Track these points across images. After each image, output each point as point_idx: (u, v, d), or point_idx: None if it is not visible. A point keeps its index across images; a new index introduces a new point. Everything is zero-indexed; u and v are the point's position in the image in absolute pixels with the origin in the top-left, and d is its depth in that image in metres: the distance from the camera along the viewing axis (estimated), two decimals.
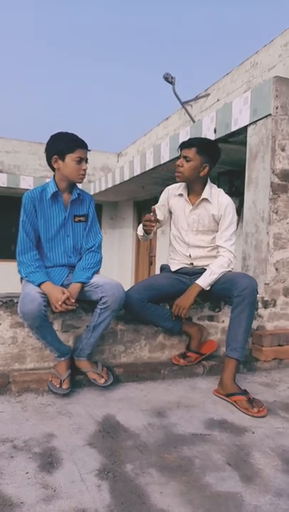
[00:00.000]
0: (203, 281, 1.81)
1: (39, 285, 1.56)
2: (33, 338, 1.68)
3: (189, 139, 1.84)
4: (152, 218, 1.74)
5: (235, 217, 1.88)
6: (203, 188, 1.87)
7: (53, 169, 1.69)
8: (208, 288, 1.82)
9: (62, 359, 1.67)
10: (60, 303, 1.54)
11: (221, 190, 1.92)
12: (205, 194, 1.85)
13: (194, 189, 1.88)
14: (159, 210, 1.94)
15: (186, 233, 1.91)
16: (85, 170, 1.68)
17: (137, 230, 2.04)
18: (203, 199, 1.86)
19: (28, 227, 1.65)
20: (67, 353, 1.69)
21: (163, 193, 2.02)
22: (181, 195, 1.92)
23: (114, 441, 1.28)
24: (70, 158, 1.63)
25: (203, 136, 3.01)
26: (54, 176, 1.70)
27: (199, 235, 1.89)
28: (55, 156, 1.64)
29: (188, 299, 1.81)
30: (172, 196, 1.96)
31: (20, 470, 1.11)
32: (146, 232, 1.84)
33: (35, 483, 1.05)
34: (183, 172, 1.80)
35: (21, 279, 1.68)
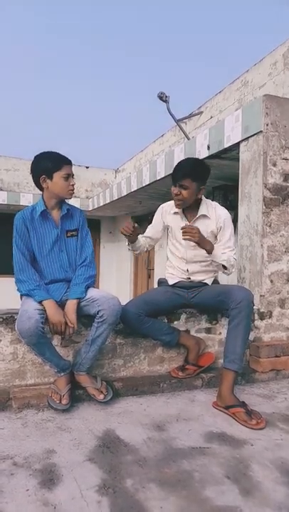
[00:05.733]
0: (216, 249, 1.78)
1: (41, 301, 1.59)
2: (33, 354, 1.70)
3: (181, 170, 1.79)
4: (130, 227, 1.85)
5: (233, 228, 1.92)
6: (199, 205, 1.91)
7: (41, 188, 1.72)
8: (211, 252, 1.77)
9: (62, 374, 1.68)
10: (61, 328, 1.60)
11: (217, 204, 1.95)
12: (202, 211, 1.89)
13: (190, 207, 1.91)
14: (139, 226, 1.99)
15: (184, 249, 1.94)
16: (73, 185, 1.72)
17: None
18: (200, 215, 1.89)
19: (22, 247, 1.69)
20: (67, 368, 1.70)
21: (157, 211, 2.06)
22: (176, 213, 1.96)
23: (114, 456, 1.28)
24: (58, 176, 1.67)
25: (195, 153, 3.11)
26: (42, 195, 1.74)
27: (197, 250, 1.91)
28: (43, 176, 1.67)
29: (200, 234, 1.72)
30: (167, 213, 2.00)
31: (20, 487, 1.11)
32: (126, 236, 1.89)
33: (35, 501, 1.05)
34: (183, 200, 1.83)
35: (21, 296, 1.71)
